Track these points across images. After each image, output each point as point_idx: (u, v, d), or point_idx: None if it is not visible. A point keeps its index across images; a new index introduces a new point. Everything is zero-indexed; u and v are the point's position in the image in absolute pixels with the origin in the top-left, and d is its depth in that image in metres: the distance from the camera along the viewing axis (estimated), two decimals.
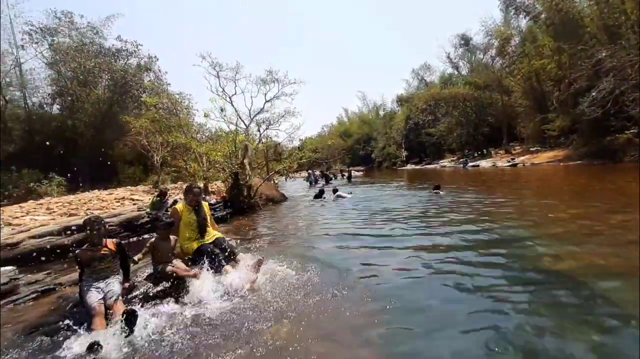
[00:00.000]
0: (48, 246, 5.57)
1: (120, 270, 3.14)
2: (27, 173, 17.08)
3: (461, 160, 31.17)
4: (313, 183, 20.06)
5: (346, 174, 24.39)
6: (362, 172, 33.93)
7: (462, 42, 36.45)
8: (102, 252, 3.00)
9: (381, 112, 54.65)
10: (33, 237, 5.69)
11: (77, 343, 2.43)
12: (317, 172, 24.19)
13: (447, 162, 34.65)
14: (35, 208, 9.86)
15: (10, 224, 7.67)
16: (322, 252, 4.72)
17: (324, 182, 20.25)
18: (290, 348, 2.21)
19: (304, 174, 23.25)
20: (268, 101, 12.80)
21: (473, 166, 27.13)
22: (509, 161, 24.15)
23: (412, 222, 6.24)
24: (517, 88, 28.51)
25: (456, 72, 39.72)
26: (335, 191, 11.48)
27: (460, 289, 3.03)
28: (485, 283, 3.08)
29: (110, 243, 3.09)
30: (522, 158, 24.32)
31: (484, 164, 26.70)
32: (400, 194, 11.61)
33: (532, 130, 26.89)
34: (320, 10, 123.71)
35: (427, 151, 40.89)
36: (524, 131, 29.07)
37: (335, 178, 24.51)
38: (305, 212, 9.27)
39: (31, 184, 16.14)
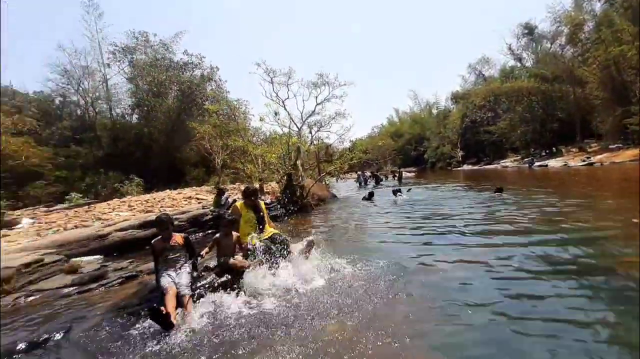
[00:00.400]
0: (130, 238, 6.41)
1: (189, 261, 3.54)
2: (113, 175, 19.62)
3: (526, 159, 28.55)
4: (362, 184, 19.97)
5: (397, 175, 23.85)
6: (413, 174, 32.79)
7: (526, 31, 33.44)
8: (172, 244, 3.41)
9: (434, 111, 52.36)
10: (119, 230, 6.57)
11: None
12: (367, 173, 24.02)
13: (509, 162, 31.97)
14: (119, 205, 11.31)
15: (100, 219, 8.90)
16: (375, 248, 4.78)
17: (375, 184, 20.05)
18: (347, 346, 2.26)
19: (354, 175, 23.24)
20: (319, 103, 13.14)
21: (540, 165, 24.70)
22: (584, 160, 21.52)
23: (470, 223, 6.00)
24: (593, 78, 25.25)
25: (519, 64, 36.53)
26: (396, 191, 11.44)
27: (523, 296, 2.88)
28: (554, 292, 2.88)
29: (179, 237, 3.50)
30: (599, 157, 21.50)
31: (554, 163, 24.14)
32: (456, 196, 11.09)
33: (611, 125, 23.63)
34: (367, 9, 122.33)
35: (486, 150, 38.12)
36: (601, 126, 25.64)
37: (386, 179, 24.10)
38: (356, 212, 9.38)
39: (116, 184, 18.49)
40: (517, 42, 35.04)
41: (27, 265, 4.47)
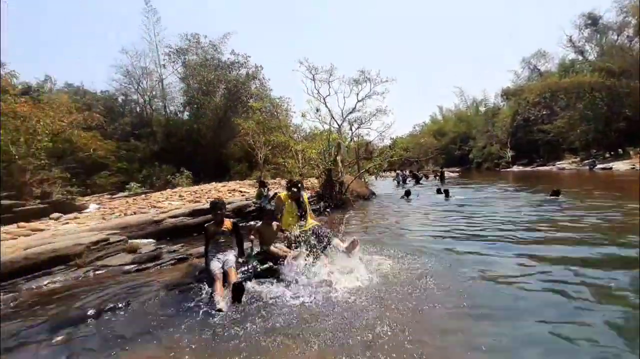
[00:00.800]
0: (181, 225, 6.92)
1: (236, 246, 3.77)
2: (166, 168, 21.16)
3: (587, 161, 25.95)
4: (401, 183, 19.53)
5: (439, 174, 22.93)
6: (457, 174, 31.25)
7: (589, 21, 30.18)
8: (223, 228, 3.66)
9: (482, 109, 49.31)
10: (171, 217, 7.11)
11: (202, 299, 3.14)
12: (407, 172, 23.42)
13: (566, 164, 29.21)
14: (171, 195, 12.20)
15: (154, 207, 9.68)
16: (415, 247, 4.71)
17: (414, 183, 19.52)
18: (383, 342, 2.26)
19: (393, 173, 22.75)
20: (360, 100, 13.08)
21: (603, 168, 22.38)
22: None
23: (518, 225, 5.68)
24: None
25: (580, 58, 33.11)
26: (443, 191, 11.39)
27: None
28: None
29: (228, 222, 3.74)
30: None
31: (619, 166, 21.72)
32: (504, 197, 10.49)
33: None
34: (409, 5, 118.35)
35: (539, 150, 35.08)
36: None
37: (427, 179, 23.30)
38: (395, 209, 9.28)
39: (168, 176, 19.93)
40: (579, 33, 31.78)
41: (95, 243, 5.02)
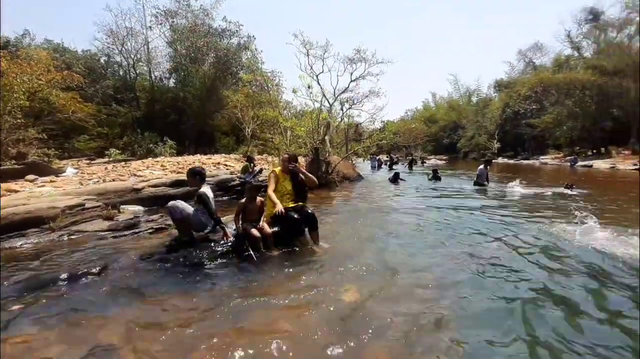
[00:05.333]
0: (162, 194, 6.78)
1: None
2: (149, 136, 20.53)
3: (569, 158, 26.66)
4: (376, 167, 19.46)
5: (427, 161, 23.01)
6: (444, 162, 31.64)
7: (590, 16, 29.97)
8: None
9: (474, 99, 49.45)
10: (152, 186, 6.95)
11: (178, 267, 3.14)
12: (384, 158, 23.02)
13: (549, 159, 29.97)
14: (153, 164, 11.90)
15: (135, 175, 9.44)
16: (390, 231, 4.78)
17: (388, 167, 19.29)
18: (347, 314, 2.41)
19: (386, 157, 22.31)
20: (354, 80, 12.79)
21: (584, 165, 23.06)
22: (635, 164, 19.82)
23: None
24: None
25: (576, 54, 33.23)
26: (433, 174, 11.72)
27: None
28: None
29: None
30: None
31: (600, 164, 22.40)
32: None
33: None
34: None
35: (525, 144, 35.85)
36: None
37: (415, 164, 23.23)
38: (380, 192, 9.38)
39: (150, 144, 19.37)
40: (578, 28, 31.62)
41: (71, 207, 4.86)
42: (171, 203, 3.63)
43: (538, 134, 33.13)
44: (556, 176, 16.15)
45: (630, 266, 3.08)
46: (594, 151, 28.07)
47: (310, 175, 4.09)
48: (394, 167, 19.13)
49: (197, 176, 3.77)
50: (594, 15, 29.78)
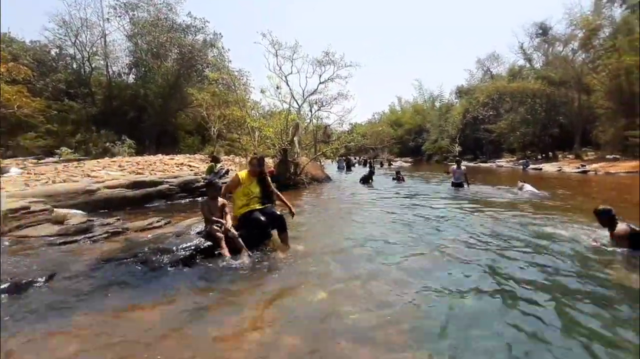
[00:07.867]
0: (119, 196, 6.39)
1: None
2: (105, 134, 19.28)
3: (521, 161, 28.72)
4: (344, 169, 20.05)
5: (393, 163, 23.74)
6: (409, 164, 32.81)
7: (540, 31, 32.71)
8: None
9: (437, 104, 51.77)
10: (107, 187, 6.53)
11: (136, 273, 3.01)
12: (351, 159, 23.84)
13: (504, 162, 32.15)
14: (109, 164, 11.19)
15: (89, 176, 8.82)
16: (351, 233, 4.85)
17: (346, 169, 20.05)
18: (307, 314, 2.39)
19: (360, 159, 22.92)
20: (322, 82, 12.90)
21: (534, 168, 24.92)
22: (579, 167, 21.75)
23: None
24: (600, 87, 25.08)
25: (528, 65, 36.05)
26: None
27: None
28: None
29: None
30: (595, 165, 21.68)
31: (548, 167, 24.35)
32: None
33: (612, 136, 23.70)
34: None
35: (483, 148, 38.19)
36: (601, 136, 25.71)
37: (381, 166, 24.03)
38: (347, 193, 9.52)
39: (107, 143, 18.21)
40: (530, 41, 34.42)
41: (14, 211, 4.44)
42: None
43: (495, 139, 35.40)
44: (509, 178, 17.31)
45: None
46: (543, 155, 30.46)
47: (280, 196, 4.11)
48: (352, 169, 19.90)
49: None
50: (543, 30, 32.46)
